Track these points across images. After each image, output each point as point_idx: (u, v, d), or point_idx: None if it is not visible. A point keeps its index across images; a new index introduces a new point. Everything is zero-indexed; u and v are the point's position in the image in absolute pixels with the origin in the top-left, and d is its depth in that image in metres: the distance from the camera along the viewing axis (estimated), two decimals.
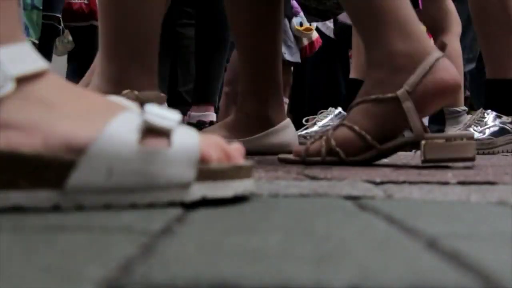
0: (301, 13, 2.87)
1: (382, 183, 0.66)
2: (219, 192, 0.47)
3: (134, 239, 0.33)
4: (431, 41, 1.51)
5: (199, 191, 0.46)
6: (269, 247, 0.31)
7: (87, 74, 1.30)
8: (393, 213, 0.44)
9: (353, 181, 0.66)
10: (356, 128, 0.94)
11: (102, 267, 0.26)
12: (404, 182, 0.66)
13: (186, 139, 0.46)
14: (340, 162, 0.94)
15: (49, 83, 0.46)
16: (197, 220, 0.41)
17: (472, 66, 2.91)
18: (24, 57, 0.46)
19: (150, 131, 0.45)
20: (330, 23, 3.39)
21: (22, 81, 0.45)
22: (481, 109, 1.85)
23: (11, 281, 0.24)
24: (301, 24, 2.98)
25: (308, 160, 0.96)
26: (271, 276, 0.25)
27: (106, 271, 0.25)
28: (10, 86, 0.44)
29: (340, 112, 2.05)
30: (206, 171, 0.46)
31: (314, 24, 3.17)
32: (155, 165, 0.44)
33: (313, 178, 0.70)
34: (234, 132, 1.36)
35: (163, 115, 0.46)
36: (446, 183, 0.66)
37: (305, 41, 3.06)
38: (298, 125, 2.19)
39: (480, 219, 0.44)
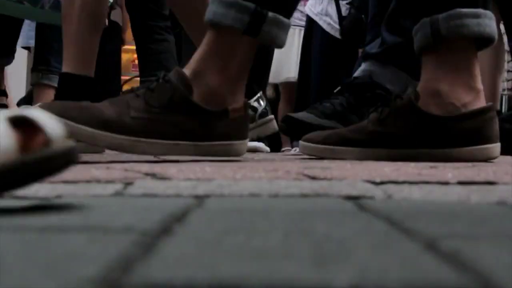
0: None
1: (382, 183, 0.66)
2: None
3: (134, 239, 0.33)
4: None
5: None
6: (269, 247, 0.31)
7: None
8: (393, 213, 0.44)
9: (353, 181, 0.66)
10: None
11: (102, 267, 0.26)
12: (404, 182, 0.66)
13: None
14: (340, 162, 0.94)
15: None
16: (197, 220, 0.41)
17: None
18: None
19: None
20: (335, 23, 3.35)
21: None
22: None
23: (11, 281, 0.24)
24: None
25: None
26: (271, 276, 0.25)
27: (106, 271, 0.25)
28: None
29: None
30: None
31: (323, 23, 3.16)
32: None
33: (313, 178, 0.70)
34: None
35: None
36: (446, 183, 0.66)
37: None
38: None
39: (480, 219, 0.44)
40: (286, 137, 3.43)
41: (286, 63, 3.81)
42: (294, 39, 3.76)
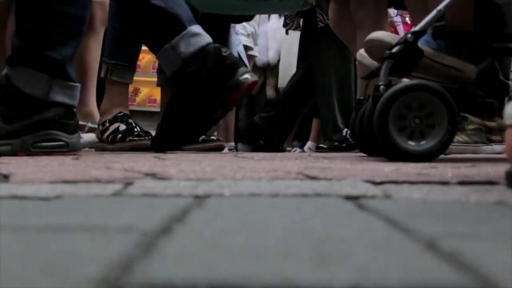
0: None
1: (382, 183, 0.65)
2: None
3: (134, 239, 0.33)
4: None
5: None
6: (269, 247, 0.31)
7: None
8: (393, 213, 0.44)
9: (353, 181, 0.66)
10: None
11: (102, 267, 0.26)
12: (404, 182, 0.66)
13: None
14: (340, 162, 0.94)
15: None
16: (197, 220, 0.41)
17: None
18: None
19: None
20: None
21: None
22: None
23: (11, 281, 0.24)
24: None
25: None
26: (271, 276, 0.25)
27: (106, 271, 0.25)
28: None
29: None
30: None
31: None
32: None
33: (313, 178, 0.70)
34: None
35: None
36: (446, 183, 0.66)
37: None
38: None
39: (480, 219, 0.44)
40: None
41: (290, 69, 3.79)
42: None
